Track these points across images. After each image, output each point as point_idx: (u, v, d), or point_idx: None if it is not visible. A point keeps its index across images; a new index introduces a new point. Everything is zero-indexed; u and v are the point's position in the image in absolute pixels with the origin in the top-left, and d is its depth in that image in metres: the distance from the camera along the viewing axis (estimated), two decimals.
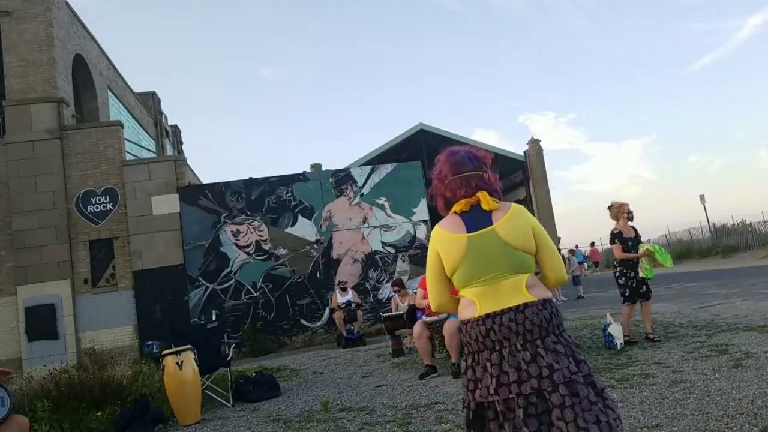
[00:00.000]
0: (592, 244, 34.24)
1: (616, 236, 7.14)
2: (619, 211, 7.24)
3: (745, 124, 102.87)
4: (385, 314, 9.37)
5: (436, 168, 2.39)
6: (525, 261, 2.15)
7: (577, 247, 28.85)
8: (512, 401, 2.01)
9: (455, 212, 2.26)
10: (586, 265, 33.03)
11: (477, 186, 2.27)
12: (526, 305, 2.08)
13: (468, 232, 2.19)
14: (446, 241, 2.23)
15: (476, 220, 2.21)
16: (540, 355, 2.01)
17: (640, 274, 6.96)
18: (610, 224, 7.38)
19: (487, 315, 2.11)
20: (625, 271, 7.08)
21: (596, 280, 24.09)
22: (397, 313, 9.15)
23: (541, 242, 2.21)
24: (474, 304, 2.16)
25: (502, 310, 2.09)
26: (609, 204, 7.42)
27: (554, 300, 2.19)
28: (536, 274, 2.23)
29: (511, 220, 2.18)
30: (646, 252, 6.98)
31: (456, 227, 2.22)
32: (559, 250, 20.07)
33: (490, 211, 2.21)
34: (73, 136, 13.74)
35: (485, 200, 2.23)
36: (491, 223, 2.17)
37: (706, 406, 4.03)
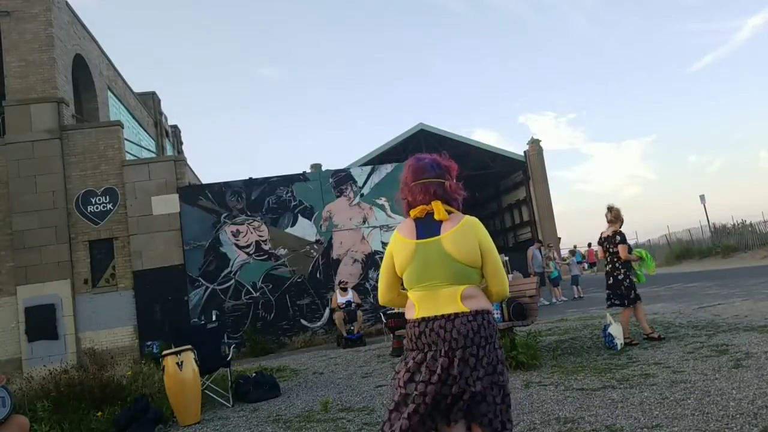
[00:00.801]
0: (589, 245, 34.29)
1: (623, 237, 7.17)
2: (620, 214, 7.31)
3: (745, 124, 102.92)
4: (387, 312, 9.36)
5: (403, 173, 2.54)
6: (465, 273, 2.28)
7: (575, 247, 28.88)
8: (415, 397, 2.22)
9: (412, 218, 2.43)
10: (586, 265, 33.11)
11: (435, 193, 2.40)
12: (457, 315, 2.24)
13: (417, 238, 2.36)
14: (399, 244, 2.40)
15: (427, 228, 2.36)
16: (453, 365, 2.19)
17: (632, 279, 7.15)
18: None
19: (423, 318, 2.30)
20: (628, 273, 7.14)
21: (596, 281, 24.09)
22: (400, 311, 9.15)
23: (487, 257, 2.32)
24: (414, 306, 2.35)
25: (436, 317, 2.27)
26: (610, 205, 7.41)
27: (491, 313, 2.30)
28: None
29: (458, 233, 2.30)
30: (638, 257, 7.22)
31: (409, 232, 2.39)
32: (559, 249, 20.06)
33: (441, 221, 2.34)
34: (73, 136, 13.73)
35: (437, 210, 2.36)
36: (439, 233, 2.32)
37: (707, 407, 4.03)
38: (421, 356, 2.25)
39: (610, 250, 7.23)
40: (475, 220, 2.37)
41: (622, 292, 7.14)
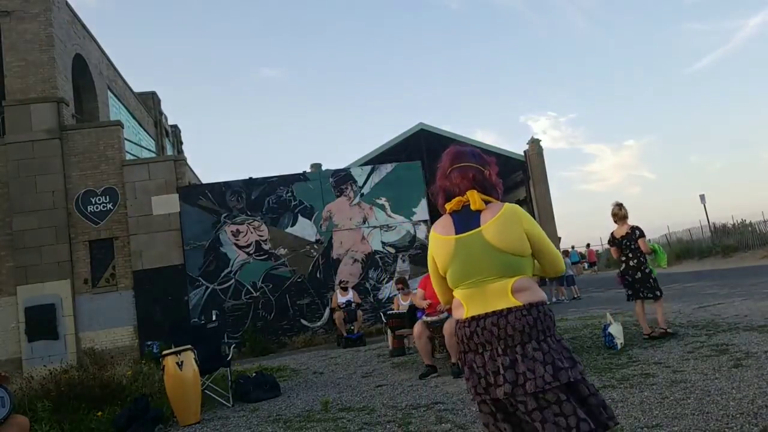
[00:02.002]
0: (588, 245, 34.29)
1: (642, 231, 7.22)
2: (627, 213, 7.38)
3: (745, 124, 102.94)
4: (388, 312, 9.36)
5: (440, 161, 2.37)
6: (513, 264, 2.12)
7: (573, 248, 28.88)
8: (498, 402, 2.08)
9: (448, 212, 2.27)
10: (586, 264, 33.11)
11: (474, 178, 2.25)
12: (509, 310, 2.08)
13: (456, 233, 2.19)
14: (437, 243, 2.26)
15: (465, 221, 2.20)
16: (518, 362, 2.03)
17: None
18: (612, 224, 7.42)
19: (473, 318, 2.14)
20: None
21: (596, 281, 24.11)
22: (400, 311, 9.14)
23: (535, 243, 2.17)
24: (462, 306, 2.20)
25: (486, 314, 2.11)
26: (619, 202, 7.40)
27: (545, 304, 2.14)
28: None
29: (499, 222, 2.14)
30: (651, 250, 7.24)
31: (446, 229, 2.23)
32: (559, 249, 20.06)
33: (479, 212, 2.19)
34: (73, 136, 13.73)
35: (473, 200, 2.20)
36: (479, 225, 2.16)
37: (707, 406, 4.03)
38: (479, 358, 2.12)
39: (632, 246, 7.17)
40: (516, 206, 2.19)
41: (653, 284, 7.13)
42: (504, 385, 2.02)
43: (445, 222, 2.27)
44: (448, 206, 2.26)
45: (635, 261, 7.18)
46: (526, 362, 2.02)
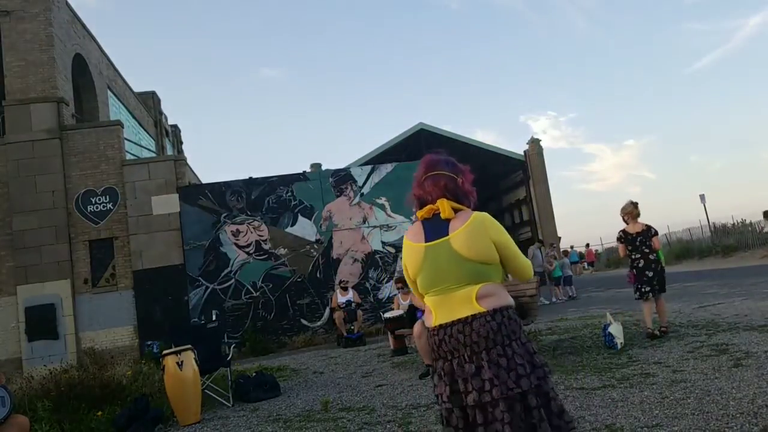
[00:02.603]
0: (587, 245, 34.29)
1: (656, 230, 7.45)
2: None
3: (745, 124, 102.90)
4: (386, 316, 9.36)
5: (415, 172, 2.43)
6: (479, 272, 2.16)
7: (572, 247, 28.88)
8: (467, 409, 2.11)
9: (419, 219, 2.32)
10: (586, 264, 33.12)
11: (446, 187, 2.28)
12: (474, 317, 2.12)
13: (426, 241, 2.24)
14: (408, 250, 2.31)
15: (435, 229, 2.24)
16: (483, 368, 2.07)
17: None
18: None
19: (440, 326, 2.19)
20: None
21: (596, 280, 24.10)
22: (397, 314, 9.14)
23: (503, 252, 2.21)
24: (431, 313, 2.25)
25: (453, 322, 2.16)
26: (635, 201, 7.48)
27: (510, 308, 2.18)
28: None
29: (466, 231, 2.17)
30: None
31: (417, 236, 2.29)
32: (559, 249, 20.04)
33: (449, 220, 2.22)
34: (73, 136, 13.73)
35: (443, 209, 2.24)
36: (447, 233, 2.20)
37: (707, 406, 4.03)
38: (447, 365, 2.17)
39: (647, 242, 7.27)
40: (484, 215, 2.24)
41: (664, 278, 7.35)
42: (472, 393, 2.06)
43: (416, 229, 2.32)
44: (419, 214, 2.31)
45: (654, 255, 7.28)
46: (491, 368, 2.06)
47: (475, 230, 2.17)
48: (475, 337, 2.10)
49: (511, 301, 2.19)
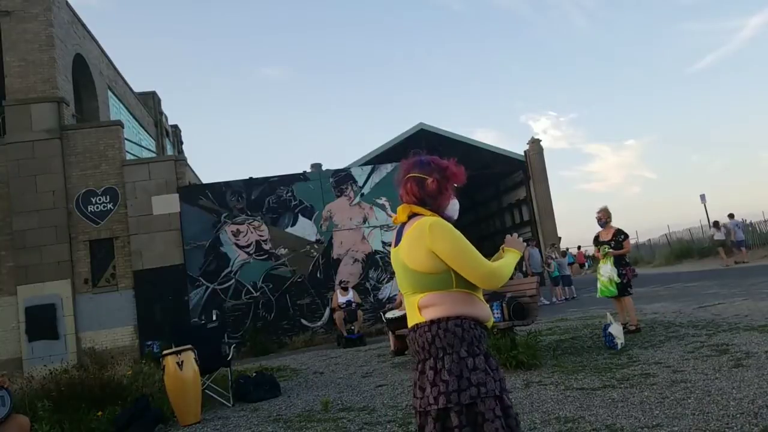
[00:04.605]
0: (579, 247, 34.31)
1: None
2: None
3: (746, 123, 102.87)
4: (387, 316, 9.36)
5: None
6: (422, 281, 2.10)
7: (568, 249, 28.89)
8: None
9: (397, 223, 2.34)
10: (586, 264, 33.10)
11: (410, 190, 2.22)
12: (417, 326, 2.12)
13: (394, 246, 2.28)
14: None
15: (399, 235, 2.25)
16: (418, 377, 2.11)
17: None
18: (612, 224, 7.83)
19: (408, 330, 2.24)
20: None
21: (595, 281, 24.05)
22: (398, 315, 9.14)
23: (448, 261, 2.06)
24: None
25: (410, 328, 2.20)
26: (605, 206, 7.89)
27: (450, 320, 2.05)
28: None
29: (408, 240, 2.14)
30: None
31: (394, 240, 2.31)
32: (558, 248, 20.03)
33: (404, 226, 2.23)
34: (73, 136, 13.73)
35: (399, 213, 2.24)
36: (401, 240, 2.21)
37: (707, 406, 4.03)
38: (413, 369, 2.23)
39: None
40: (428, 222, 2.10)
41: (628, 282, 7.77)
42: (417, 399, 2.09)
43: (395, 233, 2.35)
44: (395, 219, 2.31)
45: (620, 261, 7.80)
46: (420, 379, 2.08)
47: (413, 239, 2.11)
48: (417, 346, 2.11)
49: (459, 311, 2.06)
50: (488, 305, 2.27)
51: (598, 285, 7.89)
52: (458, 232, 2.11)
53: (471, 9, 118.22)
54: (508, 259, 2.26)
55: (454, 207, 2.26)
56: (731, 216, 20.69)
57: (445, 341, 2.03)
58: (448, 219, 2.21)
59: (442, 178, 2.21)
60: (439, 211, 2.20)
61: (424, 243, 2.07)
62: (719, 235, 20.52)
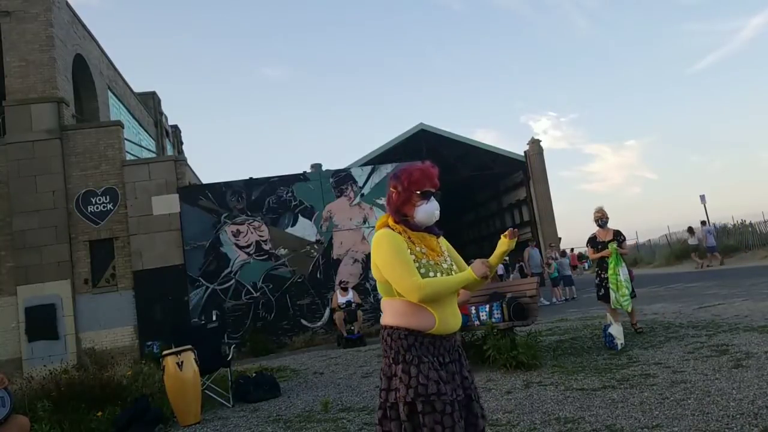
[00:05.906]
0: (572, 249, 34.38)
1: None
2: None
3: (746, 124, 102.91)
4: None
5: None
6: (379, 287, 2.37)
7: (573, 249, 28.91)
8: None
9: None
10: (587, 264, 33.12)
11: (387, 202, 2.48)
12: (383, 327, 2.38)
13: None
14: None
15: None
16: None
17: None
18: (612, 224, 7.84)
19: None
20: None
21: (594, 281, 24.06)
22: None
23: (382, 272, 2.29)
24: None
25: None
26: (602, 206, 7.86)
27: (391, 327, 2.29)
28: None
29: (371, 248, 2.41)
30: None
31: None
32: (558, 248, 20.03)
33: None
34: (73, 136, 13.73)
35: (378, 222, 2.46)
36: None
37: (707, 407, 4.03)
38: None
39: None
40: (377, 234, 2.35)
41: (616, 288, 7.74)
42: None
43: None
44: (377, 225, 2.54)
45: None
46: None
47: (372, 248, 2.37)
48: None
49: (392, 321, 2.28)
50: (450, 309, 2.30)
51: (616, 296, 7.40)
52: (396, 245, 2.25)
53: (471, 9, 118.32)
54: (453, 277, 2.30)
55: (424, 212, 2.36)
56: (703, 223, 21.80)
57: (386, 345, 2.31)
58: (421, 224, 2.36)
59: (403, 190, 2.37)
60: (407, 220, 2.38)
61: (373, 253, 2.35)
62: (693, 240, 21.86)
